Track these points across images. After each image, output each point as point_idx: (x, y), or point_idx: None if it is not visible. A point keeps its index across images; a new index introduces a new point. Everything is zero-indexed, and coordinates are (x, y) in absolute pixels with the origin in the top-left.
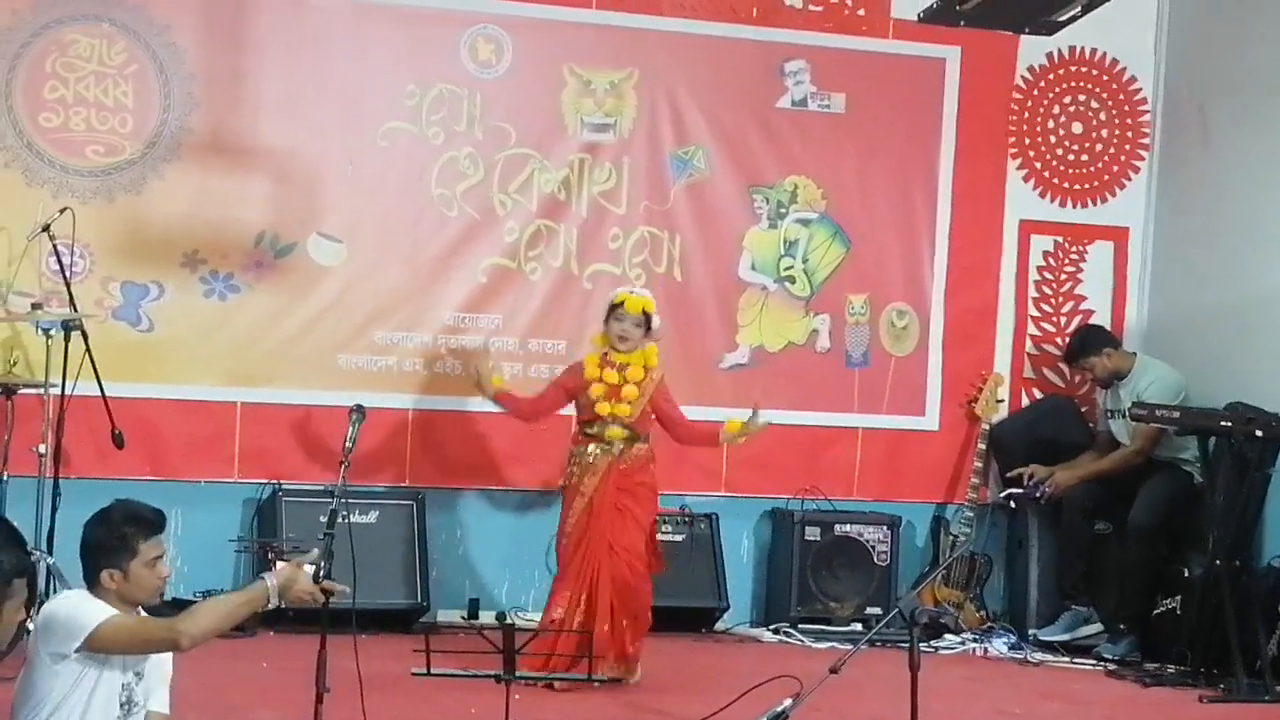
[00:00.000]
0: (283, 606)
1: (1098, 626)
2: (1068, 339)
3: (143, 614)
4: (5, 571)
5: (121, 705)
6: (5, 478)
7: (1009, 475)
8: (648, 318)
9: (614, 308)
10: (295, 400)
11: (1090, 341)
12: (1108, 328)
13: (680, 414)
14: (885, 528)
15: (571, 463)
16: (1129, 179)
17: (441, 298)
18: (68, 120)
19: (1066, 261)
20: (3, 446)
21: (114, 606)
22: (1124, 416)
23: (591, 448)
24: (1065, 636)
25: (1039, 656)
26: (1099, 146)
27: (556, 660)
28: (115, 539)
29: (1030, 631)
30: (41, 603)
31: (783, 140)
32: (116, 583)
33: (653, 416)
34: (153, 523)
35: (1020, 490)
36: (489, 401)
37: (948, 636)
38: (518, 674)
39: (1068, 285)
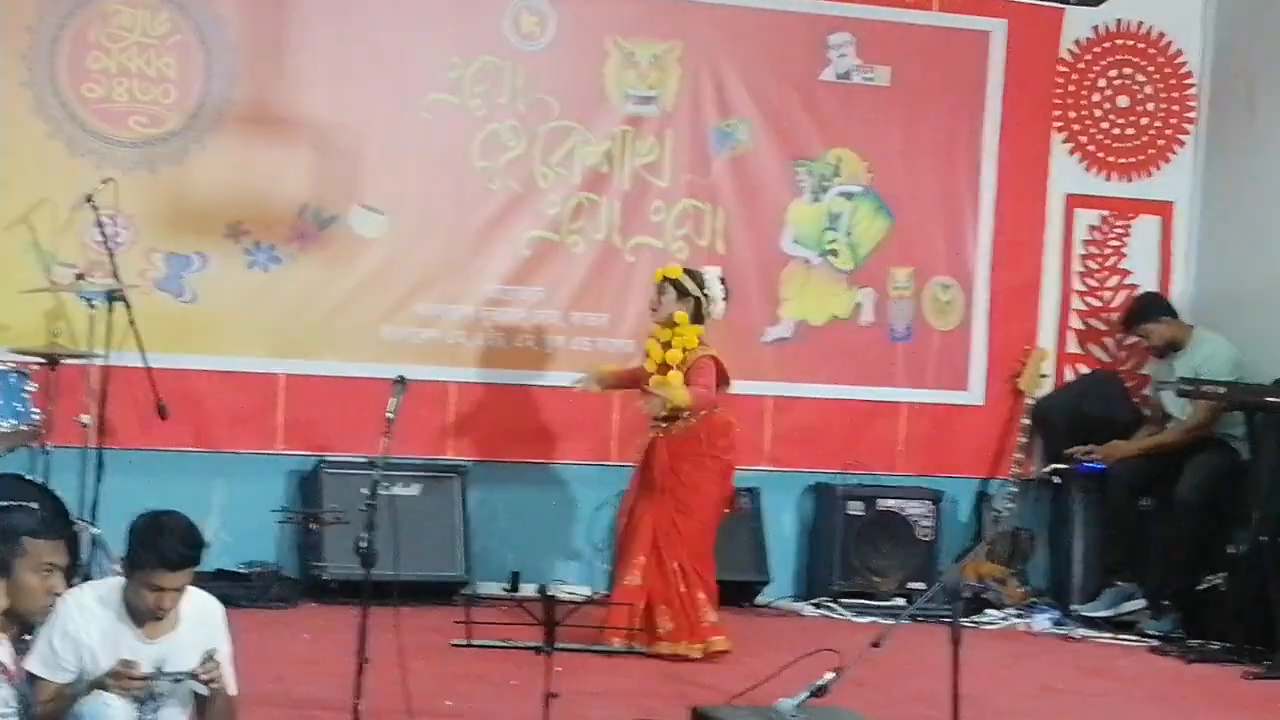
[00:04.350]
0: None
1: (1141, 603)
2: (1126, 305)
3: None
4: (15, 527)
5: (142, 702)
6: (49, 448)
7: (1066, 452)
8: (675, 286)
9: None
10: (338, 372)
11: (1149, 308)
12: None
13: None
14: (928, 502)
15: None
16: (1175, 153)
17: (484, 270)
18: (111, 91)
19: (1112, 235)
20: (47, 417)
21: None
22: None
23: None
24: (1109, 612)
25: (1082, 632)
26: (1145, 120)
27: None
28: (133, 545)
29: (1073, 607)
30: (87, 575)
31: (826, 113)
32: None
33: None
34: (163, 555)
35: (1065, 465)
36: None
37: (990, 612)
38: (558, 645)
39: (1113, 259)
